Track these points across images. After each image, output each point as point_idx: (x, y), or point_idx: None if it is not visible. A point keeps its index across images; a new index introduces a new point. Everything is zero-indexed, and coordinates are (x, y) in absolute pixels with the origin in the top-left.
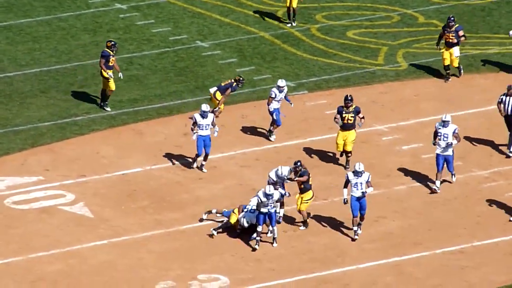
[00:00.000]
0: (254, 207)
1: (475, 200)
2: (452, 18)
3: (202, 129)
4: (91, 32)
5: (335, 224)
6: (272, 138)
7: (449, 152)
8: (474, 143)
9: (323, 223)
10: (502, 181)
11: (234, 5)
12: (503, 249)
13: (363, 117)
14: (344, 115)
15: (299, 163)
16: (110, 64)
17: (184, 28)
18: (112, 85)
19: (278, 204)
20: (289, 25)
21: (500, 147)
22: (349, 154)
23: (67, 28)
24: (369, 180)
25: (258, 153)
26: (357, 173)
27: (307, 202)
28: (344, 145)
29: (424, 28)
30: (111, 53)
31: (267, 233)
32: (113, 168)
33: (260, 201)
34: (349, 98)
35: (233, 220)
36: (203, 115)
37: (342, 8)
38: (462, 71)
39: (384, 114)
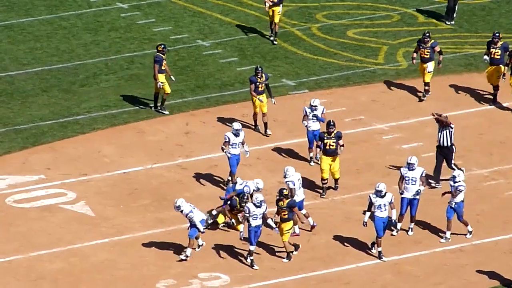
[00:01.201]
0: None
1: (474, 198)
2: (427, 34)
3: (235, 148)
4: (92, 31)
5: (336, 223)
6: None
7: (417, 196)
8: (474, 142)
9: (323, 222)
10: (502, 180)
11: (234, 4)
12: (502, 248)
13: (343, 145)
14: (326, 141)
15: (284, 191)
16: (163, 68)
17: (185, 27)
18: (167, 88)
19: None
20: (272, 38)
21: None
22: (338, 183)
23: (68, 27)
24: (392, 201)
25: (259, 152)
26: (379, 194)
27: (288, 232)
28: (332, 174)
29: (424, 28)
30: (164, 57)
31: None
32: (114, 166)
33: (248, 211)
34: (332, 123)
35: (220, 220)
36: (236, 133)
37: (342, 8)
38: (429, 93)
39: (384, 113)
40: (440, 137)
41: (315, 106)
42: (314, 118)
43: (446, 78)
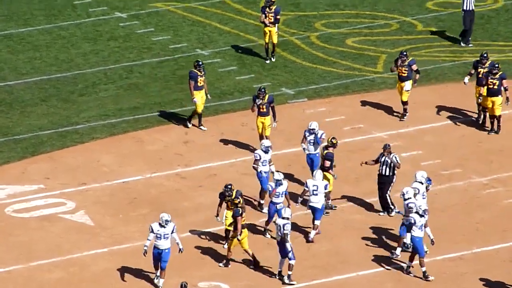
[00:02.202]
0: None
1: (474, 207)
2: (404, 53)
3: (265, 165)
4: (91, 41)
5: (336, 231)
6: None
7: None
8: (473, 150)
9: (324, 230)
10: (501, 188)
11: (233, 13)
12: (502, 256)
13: (328, 167)
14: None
15: (229, 187)
16: (199, 84)
17: (184, 36)
18: (198, 107)
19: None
20: (268, 61)
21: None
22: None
23: (67, 36)
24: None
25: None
26: (422, 215)
27: (244, 239)
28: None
29: (423, 36)
30: (199, 73)
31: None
32: (113, 176)
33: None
34: (331, 141)
35: (227, 222)
36: (266, 150)
37: (341, 16)
38: (407, 113)
39: (383, 122)
40: (382, 165)
41: (313, 129)
42: (312, 141)
43: (445, 86)
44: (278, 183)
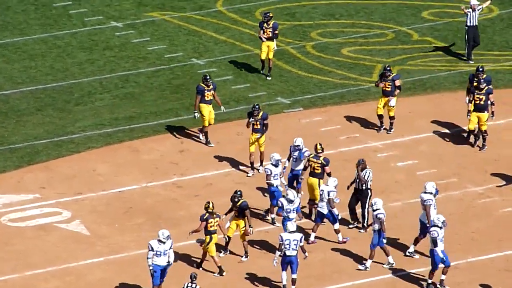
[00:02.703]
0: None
1: (469, 216)
2: (388, 68)
3: (276, 179)
4: (87, 50)
5: (331, 241)
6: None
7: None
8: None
9: (319, 239)
10: (497, 197)
11: (229, 22)
12: (497, 265)
13: (329, 172)
14: (311, 163)
15: (239, 193)
16: (207, 98)
17: (179, 45)
18: (205, 121)
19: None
20: (268, 78)
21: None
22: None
23: (63, 46)
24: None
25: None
26: (441, 227)
27: (243, 231)
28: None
29: (419, 45)
30: (206, 87)
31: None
32: (109, 185)
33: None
34: (320, 146)
35: (230, 233)
36: (276, 164)
37: (336, 26)
38: (393, 128)
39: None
40: (356, 179)
41: (298, 145)
42: (295, 158)
43: (441, 95)
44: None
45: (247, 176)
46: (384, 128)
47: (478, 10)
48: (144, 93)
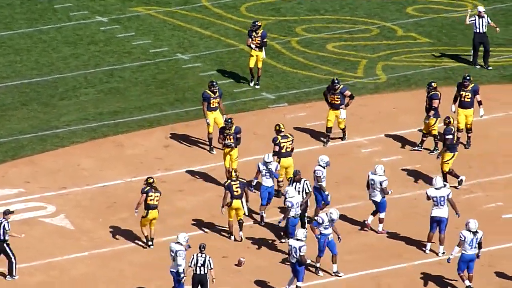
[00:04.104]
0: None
1: (453, 211)
2: (336, 81)
3: (269, 178)
4: (72, 45)
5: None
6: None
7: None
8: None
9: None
10: (480, 193)
11: (214, 17)
12: (481, 261)
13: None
14: (282, 144)
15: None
16: (212, 105)
17: (164, 40)
18: (210, 128)
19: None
20: (252, 83)
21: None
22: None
23: (48, 40)
24: (482, 236)
25: (238, 165)
26: (473, 231)
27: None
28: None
29: (403, 41)
30: (212, 94)
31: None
32: (93, 180)
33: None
34: (282, 125)
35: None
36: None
37: (321, 21)
38: (346, 136)
39: (363, 127)
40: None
41: (269, 162)
42: (268, 174)
43: (425, 91)
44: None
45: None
46: (328, 139)
47: (470, 20)
48: (129, 88)
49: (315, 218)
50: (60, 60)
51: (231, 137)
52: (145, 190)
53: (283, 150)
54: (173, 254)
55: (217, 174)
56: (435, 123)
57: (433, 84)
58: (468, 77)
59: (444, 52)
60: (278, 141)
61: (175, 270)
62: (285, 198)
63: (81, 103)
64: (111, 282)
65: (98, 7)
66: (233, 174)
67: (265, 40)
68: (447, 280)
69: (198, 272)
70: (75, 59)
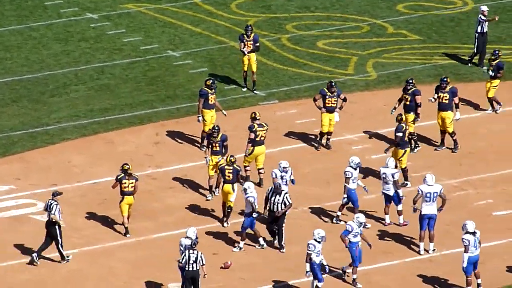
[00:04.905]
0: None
1: (444, 209)
2: (333, 84)
3: (286, 185)
4: (62, 42)
5: (306, 233)
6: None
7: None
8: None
9: (294, 232)
10: (471, 190)
11: (204, 14)
12: None
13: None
14: (258, 132)
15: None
16: (210, 102)
17: (155, 37)
18: (206, 126)
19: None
20: (244, 89)
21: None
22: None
23: (38, 37)
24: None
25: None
26: (472, 232)
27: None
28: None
29: (394, 38)
30: (210, 91)
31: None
32: (84, 177)
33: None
34: (258, 113)
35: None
36: (284, 171)
37: (312, 18)
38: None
39: (353, 124)
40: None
41: (287, 167)
42: (284, 181)
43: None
44: (284, 170)
45: (206, 200)
46: (328, 143)
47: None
48: (119, 85)
49: (346, 225)
50: (51, 57)
51: (218, 145)
52: (119, 177)
53: (258, 138)
54: (182, 249)
55: (208, 171)
56: (414, 120)
57: (412, 81)
58: (445, 79)
59: (435, 49)
60: (254, 129)
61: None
62: (247, 194)
63: (71, 100)
64: (101, 279)
65: (89, 4)
66: (229, 158)
67: (257, 44)
68: (437, 278)
69: (190, 268)
70: (65, 56)
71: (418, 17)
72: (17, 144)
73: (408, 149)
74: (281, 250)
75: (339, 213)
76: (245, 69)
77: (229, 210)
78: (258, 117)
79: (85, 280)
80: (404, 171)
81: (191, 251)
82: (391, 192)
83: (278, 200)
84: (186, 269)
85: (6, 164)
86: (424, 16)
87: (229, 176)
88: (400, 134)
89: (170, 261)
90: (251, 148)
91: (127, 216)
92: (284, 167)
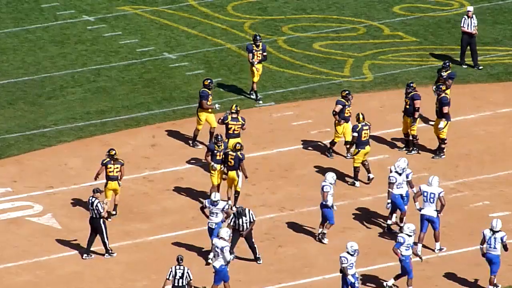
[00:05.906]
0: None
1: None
2: (349, 92)
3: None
4: (58, 44)
5: (302, 235)
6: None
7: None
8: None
9: (290, 234)
10: (467, 192)
11: (201, 17)
12: (468, 260)
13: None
14: (231, 126)
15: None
16: (209, 103)
17: (151, 39)
18: (199, 126)
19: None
20: (255, 98)
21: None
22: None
23: (34, 40)
24: (505, 237)
25: None
26: (494, 231)
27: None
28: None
29: (390, 40)
30: (209, 92)
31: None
32: (80, 179)
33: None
34: (236, 106)
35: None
36: (401, 172)
37: (308, 20)
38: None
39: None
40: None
41: (403, 167)
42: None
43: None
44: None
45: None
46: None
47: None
48: (115, 87)
49: (397, 237)
50: (47, 59)
51: (220, 154)
52: (104, 162)
53: (230, 131)
54: (217, 251)
55: (204, 174)
56: (412, 124)
57: (412, 84)
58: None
59: (431, 51)
60: (227, 121)
61: (217, 266)
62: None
63: (68, 102)
64: (98, 281)
65: (85, 6)
66: (236, 145)
67: (265, 53)
68: (432, 278)
69: (176, 284)
70: (62, 58)
71: (415, 19)
72: (13, 146)
73: (364, 150)
74: (258, 262)
75: (389, 222)
76: (255, 80)
77: (236, 195)
78: (233, 111)
79: (81, 282)
80: (356, 171)
81: (177, 266)
82: (403, 191)
83: (246, 220)
84: (173, 284)
85: (3, 167)
86: (421, 18)
87: (230, 162)
88: (355, 134)
89: (166, 263)
90: (226, 140)
91: (113, 202)
92: (403, 168)
